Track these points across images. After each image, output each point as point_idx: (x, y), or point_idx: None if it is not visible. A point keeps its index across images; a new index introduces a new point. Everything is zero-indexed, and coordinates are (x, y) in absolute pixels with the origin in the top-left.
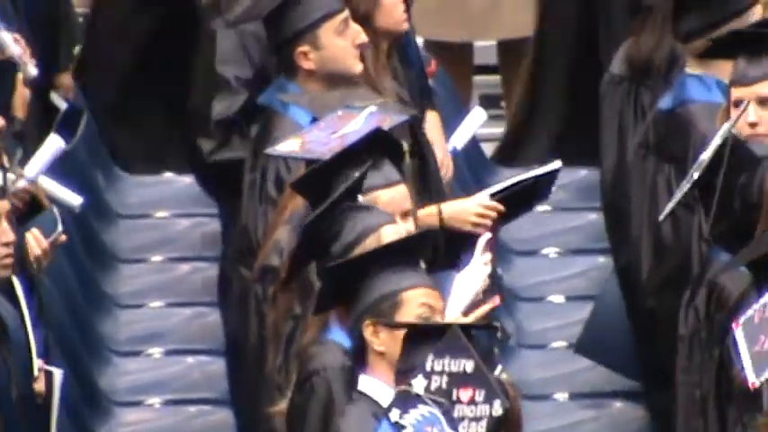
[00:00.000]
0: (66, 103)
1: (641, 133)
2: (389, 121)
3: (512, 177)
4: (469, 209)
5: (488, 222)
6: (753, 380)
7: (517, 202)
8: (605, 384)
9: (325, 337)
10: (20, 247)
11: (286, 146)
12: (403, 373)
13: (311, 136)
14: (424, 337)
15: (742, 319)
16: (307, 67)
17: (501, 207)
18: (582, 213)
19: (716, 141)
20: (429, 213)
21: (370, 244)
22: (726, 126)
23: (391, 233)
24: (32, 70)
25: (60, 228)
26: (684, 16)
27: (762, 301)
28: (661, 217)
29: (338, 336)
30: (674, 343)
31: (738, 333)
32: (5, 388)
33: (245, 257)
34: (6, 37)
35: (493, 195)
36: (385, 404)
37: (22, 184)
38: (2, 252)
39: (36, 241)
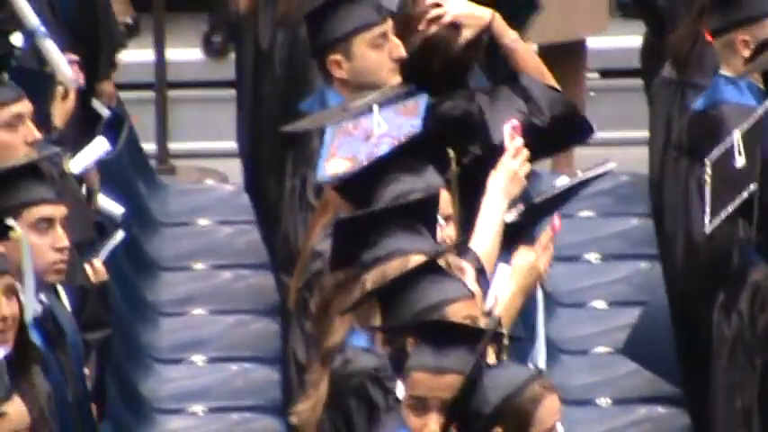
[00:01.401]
0: (108, 110)
1: (675, 134)
2: (412, 106)
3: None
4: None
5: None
6: None
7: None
8: (648, 390)
9: (348, 341)
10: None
11: (333, 167)
12: None
13: (348, 150)
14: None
15: None
16: (339, 75)
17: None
18: (624, 219)
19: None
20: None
21: (394, 265)
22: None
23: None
24: (79, 82)
25: (103, 252)
26: (715, 11)
27: None
28: (708, 229)
29: (360, 340)
30: (711, 346)
31: None
32: (62, 389)
33: (286, 266)
34: (60, 60)
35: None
36: None
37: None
38: (56, 257)
39: (96, 272)
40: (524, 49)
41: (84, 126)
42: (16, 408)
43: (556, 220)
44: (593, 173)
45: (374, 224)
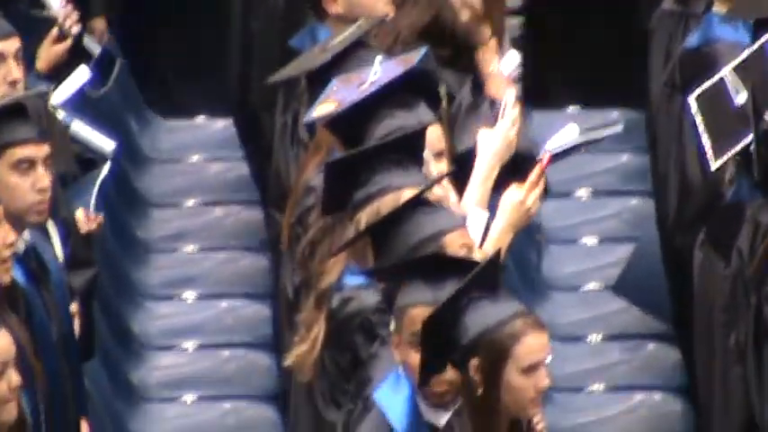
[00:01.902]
0: (99, 47)
1: (668, 72)
2: (411, 58)
3: (553, 140)
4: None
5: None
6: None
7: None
8: (639, 326)
9: (346, 280)
10: (53, 194)
11: (323, 109)
12: None
13: (341, 95)
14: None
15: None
16: (334, 11)
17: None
18: (615, 155)
19: None
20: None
21: (386, 201)
22: None
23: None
24: (75, 29)
25: (93, 201)
26: None
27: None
28: (714, 166)
29: (357, 279)
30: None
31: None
32: (46, 326)
33: (278, 201)
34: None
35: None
36: None
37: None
38: (37, 198)
39: (86, 219)
40: None
41: (75, 61)
42: (2, 340)
43: (545, 156)
44: (602, 133)
45: (365, 162)
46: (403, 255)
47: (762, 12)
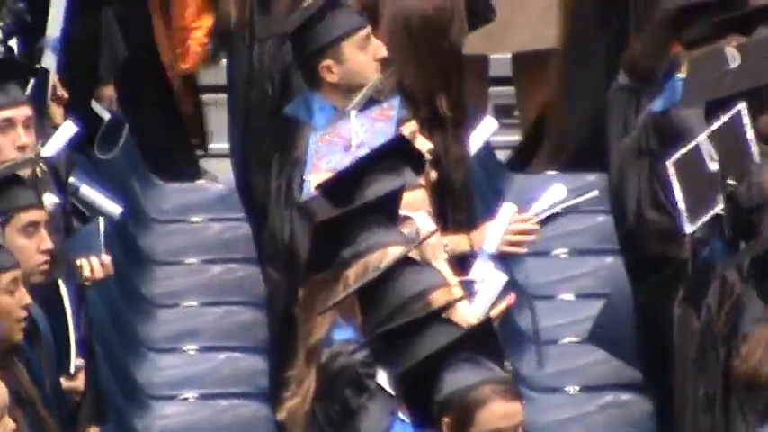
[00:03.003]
0: (108, 113)
1: (634, 137)
2: (387, 110)
3: (539, 203)
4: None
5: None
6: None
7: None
8: (614, 377)
9: (334, 336)
10: (66, 254)
11: (317, 180)
12: None
13: (329, 160)
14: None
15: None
16: (330, 80)
17: (527, 238)
18: (591, 216)
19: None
20: (460, 238)
21: (374, 258)
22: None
23: (398, 252)
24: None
25: (102, 246)
26: (691, 25)
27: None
28: (689, 229)
29: (345, 333)
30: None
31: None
32: (42, 382)
33: (272, 259)
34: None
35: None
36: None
37: (40, 162)
38: (41, 259)
39: (89, 267)
40: None
41: (86, 126)
42: (2, 389)
43: (512, 296)
44: (580, 199)
45: (351, 223)
46: (391, 311)
47: (714, 96)
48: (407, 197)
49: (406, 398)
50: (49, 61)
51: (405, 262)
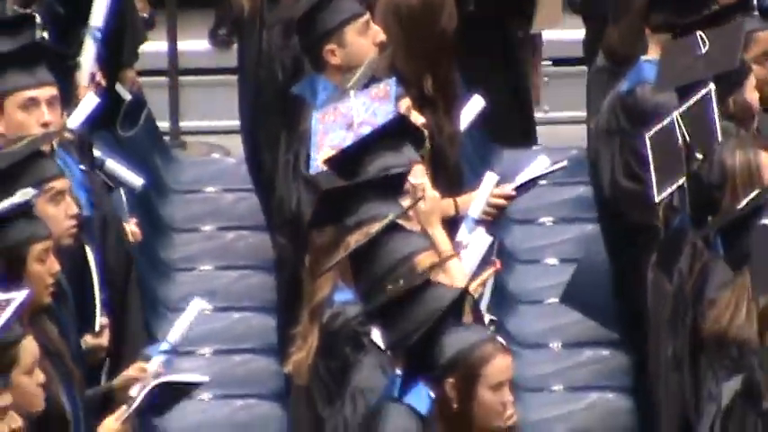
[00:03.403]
0: (130, 94)
1: (604, 116)
2: (383, 90)
3: (523, 174)
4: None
5: (495, 213)
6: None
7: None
8: (593, 335)
9: (335, 297)
10: (90, 220)
11: (321, 157)
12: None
13: (332, 137)
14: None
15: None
16: (334, 62)
17: (505, 203)
18: (573, 187)
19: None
20: (447, 203)
21: (375, 228)
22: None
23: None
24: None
25: (127, 213)
26: (659, 11)
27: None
28: (657, 198)
29: (346, 295)
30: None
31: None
32: (69, 335)
33: (280, 227)
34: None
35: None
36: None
37: (67, 135)
38: (69, 223)
39: (133, 234)
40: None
41: (109, 106)
42: (30, 344)
43: (497, 263)
44: (552, 168)
45: (357, 193)
46: (381, 274)
47: (685, 80)
48: (412, 172)
49: (407, 364)
50: (90, 49)
51: (394, 228)
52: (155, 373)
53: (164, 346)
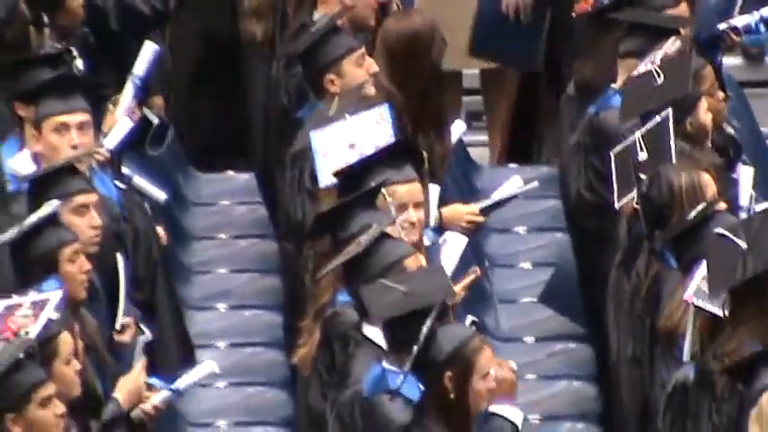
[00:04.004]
0: (157, 118)
1: (576, 135)
2: (379, 114)
3: (497, 192)
4: (463, 215)
5: (473, 227)
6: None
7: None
8: (562, 330)
9: (337, 299)
10: (122, 232)
11: (327, 173)
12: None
13: (335, 158)
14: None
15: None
16: (333, 90)
17: (482, 219)
18: (545, 200)
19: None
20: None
21: (364, 239)
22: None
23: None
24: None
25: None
26: (633, 37)
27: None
28: (617, 205)
29: (346, 297)
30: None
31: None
32: (103, 328)
33: (287, 235)
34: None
35: (483, 210)
36: (384, 346)
37: (103, 150)
38: (92, 233)
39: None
40: None
41: (138, 128)
42: (66, 338)
43: (478, 270)
44: (522, 189)
45: (346, 210)
46: (373, 278)
47: (646, 108)
48: (404, 188)
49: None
50: (129, 91)
51: (381, 236)
52: (157, 404)
53: (167, 393)
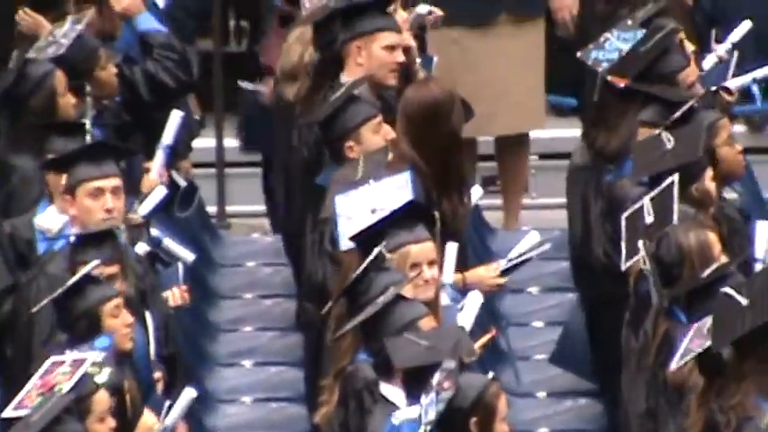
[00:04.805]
0: (184, 181)
1: (599, 204)
2: (400, 181)
3: (515, 255)
4: (487, 280)
5: (496, 288)
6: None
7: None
8: (574, 386)
9: (357, 359)
10: (155, 288)
11: (346, 236)
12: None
13: (357, 222)
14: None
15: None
16: (352, 156)
17: (503, 281)
18: (557, 262)
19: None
20: (456, 277)
21: (381, 300)
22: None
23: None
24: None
25: (181, 281)
26: (648, 108)
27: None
28: (624, 266)
29: (364, 356)
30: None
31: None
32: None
33: (309, 296)
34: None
35: (503, 272)
36: (400, 405)
37: (137, 216)
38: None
39: (173, 296)
40: None
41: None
42: (103, 394)
43: (493, 330)
44: (537, 250)
45: (364, 277)
46: (390, 336)
47: (655, 171)
48: (417, 248)
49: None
50: (159, 159)
51: (396, 298)
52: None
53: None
